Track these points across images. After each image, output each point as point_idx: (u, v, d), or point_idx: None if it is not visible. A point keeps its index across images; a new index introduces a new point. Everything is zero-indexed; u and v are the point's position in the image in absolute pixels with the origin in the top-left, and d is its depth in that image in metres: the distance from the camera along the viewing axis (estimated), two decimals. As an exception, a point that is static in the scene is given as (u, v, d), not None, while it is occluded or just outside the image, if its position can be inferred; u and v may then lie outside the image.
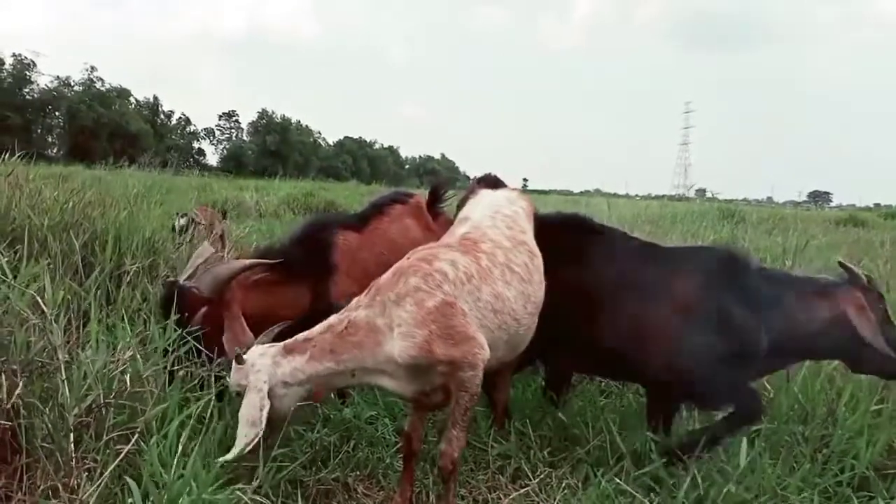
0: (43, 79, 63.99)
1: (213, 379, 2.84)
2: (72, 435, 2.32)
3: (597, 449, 3.34)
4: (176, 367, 2.83)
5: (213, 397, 2.73)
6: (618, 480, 2.99)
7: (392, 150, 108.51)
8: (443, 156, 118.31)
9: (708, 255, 3.44)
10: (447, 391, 2.66)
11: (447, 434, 2.70)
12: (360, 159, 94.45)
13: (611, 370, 3.78)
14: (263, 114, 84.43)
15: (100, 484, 2.21)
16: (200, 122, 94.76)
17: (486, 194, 3.45)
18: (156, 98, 75.97)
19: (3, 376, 2.34)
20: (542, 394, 3.93)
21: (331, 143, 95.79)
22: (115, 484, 2.31)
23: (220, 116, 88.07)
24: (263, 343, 2.74)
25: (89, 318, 2.96)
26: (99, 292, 3.34)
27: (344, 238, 3.75)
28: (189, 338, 2.90)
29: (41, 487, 2.23)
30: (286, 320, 3.16)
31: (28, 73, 62.63)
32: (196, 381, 2.85)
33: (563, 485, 3.13)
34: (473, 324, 2.64)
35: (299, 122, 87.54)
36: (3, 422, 2.26)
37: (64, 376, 2.42)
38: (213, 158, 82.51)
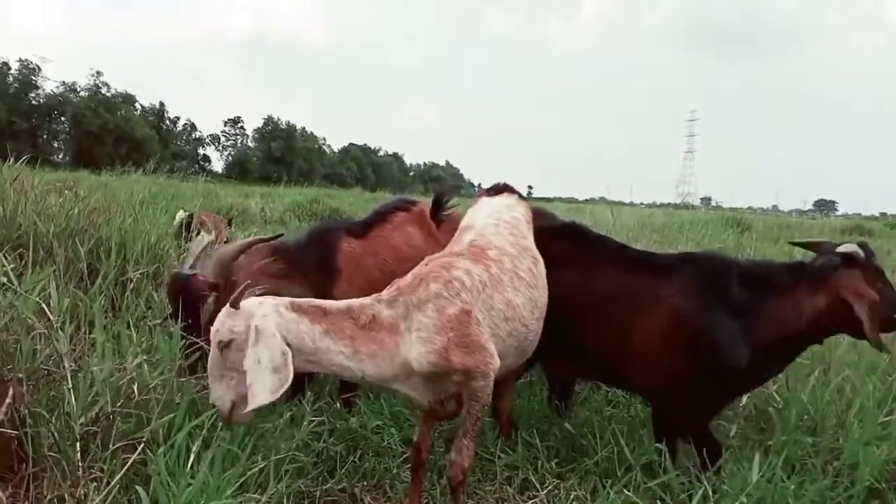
0: (49, 84, 64.26)
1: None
2: (78, 444, 2.31)
3: (605, 460, 3.31)
4: (183, 378, 2.82)
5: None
6: (627, 492, 2.96)
7: (397, 157, 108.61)
8: (447, 163, 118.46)
9: (690, 265, 3.31)
10: (459, 400, 2.64)
11: (458, 444, 2.68)
12: (364, 166, 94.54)
13: (602, 377, 3.83)
14: (269, 120, 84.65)
15: (107, 493, 2.20)
16: (206, 128, 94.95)
17: (485, 202, 3.44)
18: (161, 104, 76.16)
19: (9, 385, 2.32)
20: (547, 404, 3.92)
21: (335, 149, 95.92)
22: (123, 493, 2.29)
23: (226, 123, 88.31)
24: None
25: (94, 326, 2.96)
26: (104, 299, 3.33)
27: (348, 244, 3.75)
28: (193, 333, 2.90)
29: (48, 497, 2.22)
30: None
31: (34, 79, 62.85)
32: (203, 390, 2.84)
33: (572, 496, 3.10)
34: (486, 333, 2.63)
35: (304, 128, 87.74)
36: (9, 431, 2.25)
37: (70, 384, 2.41)
38: (218, 165, 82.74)
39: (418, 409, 2.75)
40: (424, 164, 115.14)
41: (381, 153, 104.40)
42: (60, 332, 2.56)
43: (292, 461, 2.83)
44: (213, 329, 2.41)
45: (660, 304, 3.16)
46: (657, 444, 3.18)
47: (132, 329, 3.11)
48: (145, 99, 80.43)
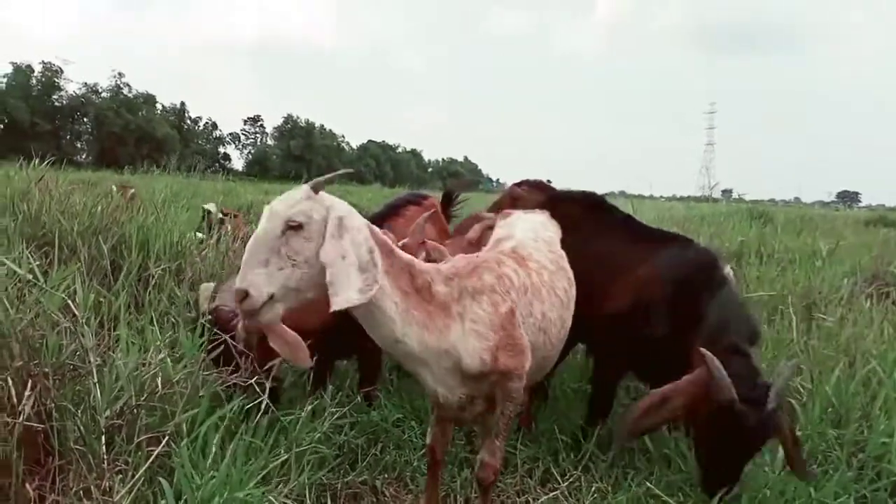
0: (71, 86, 65.01)
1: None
2: (104, 437, 2.33)
3: (626, 452, 3.30)
4: (206, 372, 2.84)
5: (244, 405, 2.74)
6: (648, 484, 2.95)
7: (415, 154, 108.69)
8: (466, 158, 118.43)
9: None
10: (491, 400, 2.50)
11: (489, 445, 2.57)
12: (383, 163, 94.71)
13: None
14: (288, 118, 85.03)
15: (132, 485, 2.22)
16: (226, 127, 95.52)
17: (519, 216, 3.32)
18: (182, 104, 76.80)
19: (36, 379, 2.36)
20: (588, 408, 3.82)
21: (354, 146, 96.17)
22: (147, 486, 2.32)
23: (245, 121, 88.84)
24: None
25: (119, 321, 2.99)
26: (127, 295, 3.37)
27: None
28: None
29: (74, 489, 2.25)
30: (315, 327, 3.18)
31: (56, 81, 63.60)
32: (225, 385, 2.86)
33: (593, 489, 3.09)
34: (525, 336, 2.51)
35: (323, 126, 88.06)
36: (36, 424, 2.28)
37: (95, 379, 2.43)
38: (238, 163, 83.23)
39: (443, 407, 2.52)
40: (443, 160, 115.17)
41: (400, 150, 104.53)
42: (85, 327, 2.59)
43: (314, 454, 2.85)
44: (275, 207, 2.16)
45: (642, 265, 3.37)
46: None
47: (155, 324, 3.15)
48: (166, 99, 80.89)
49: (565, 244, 3.45)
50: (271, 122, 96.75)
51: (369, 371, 3.80)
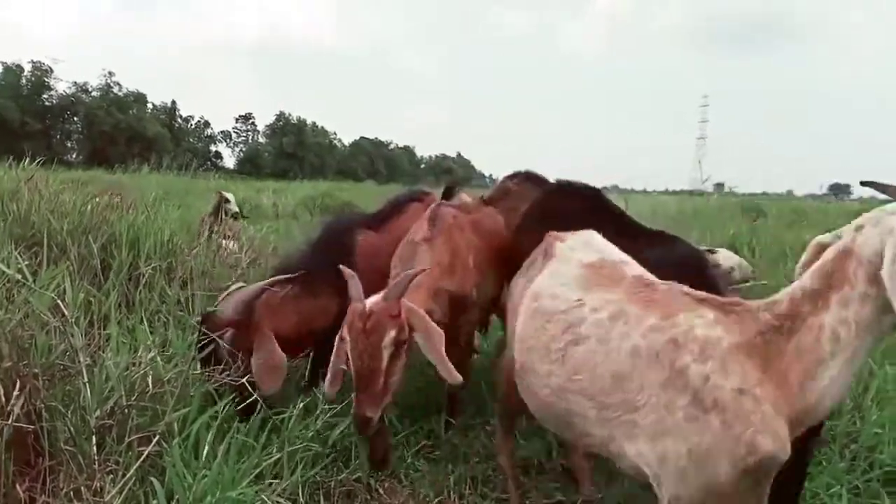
0: (61, 85, 64.59)
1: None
2: (94, 437, 2.32)
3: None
4: (197, 371, 2.83)
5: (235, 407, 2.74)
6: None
7: (408, 150, 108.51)
8: (459, 154, 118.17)
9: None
10: None
11: None
12: (376, 160, 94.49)
13: None
14: (280, 116, 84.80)
15: (123, 485, 2.21)
16: (217, 125, 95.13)
17: (595, 235, 3.02)
18: (173, 102, 76.40)
19: (25, 380, 2.34)
20: None
21: (346, 143, 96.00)
22: (139, 486, 2.31)
23: (237, 119, 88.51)
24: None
25: (109, 321, 2.97)
26: (117, 294, 3.35)
27: (364, 238, 3.75)
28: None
29: (64, 490, 2.23)
30: (319, 330, 3.20)
31: (46, 80, 63.22)
32: (217, 384, 2.85)
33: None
34: None
35: (315, 123, 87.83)
36: (25, 425, 2.26)
37: (86, 379, 2.42)
38: (229, 161, 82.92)
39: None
40: (435, 156, 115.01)
41: (392, 146, 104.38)
42: (75, 327, 2.57)
43: (307, 451, 2.84)
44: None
45: None
46: None
47: (146, 323, 3.13)
48: (157, 98, 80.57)
49: None
50: (263, 119, 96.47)
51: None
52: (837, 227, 2.03)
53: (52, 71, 62.78)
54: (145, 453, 2.32)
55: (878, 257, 1.71)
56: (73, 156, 61.56)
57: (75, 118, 65.75)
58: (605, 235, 3.53)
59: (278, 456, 2.64)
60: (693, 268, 3.16)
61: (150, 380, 2.58)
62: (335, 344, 2.68)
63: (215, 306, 3.13)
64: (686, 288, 2.09)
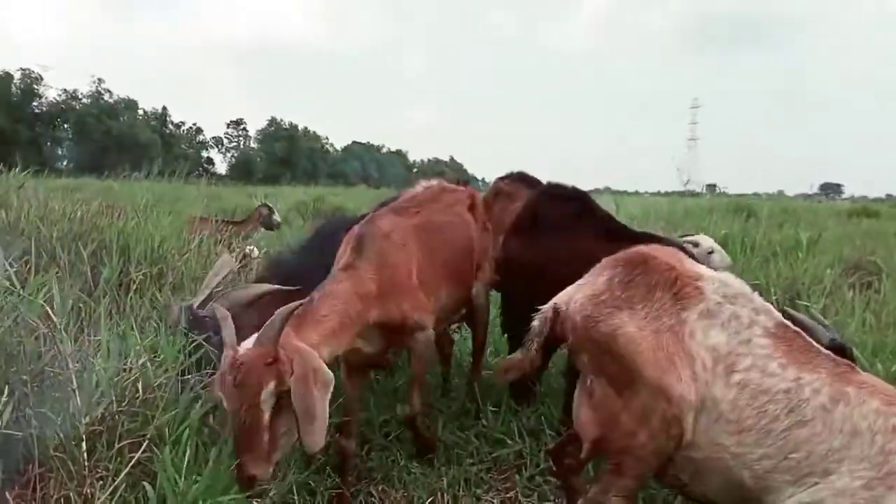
0: (51, 92, 64.46)
1: None
2: (84, 443, 2.32)
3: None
4: (187, 376, 2.82)
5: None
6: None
7: (400, 154, 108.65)
8: (451, 158, 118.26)
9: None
10: None
11: None
12: (368, 164, 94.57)
13: None
14: (272, 121, 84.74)
15: (113, 491, 2.21)
16: (209, 130, 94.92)
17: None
18: (164, 109, 76.32)
19: (14, 386, 2.33)
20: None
21: (339, 148, 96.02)
22: (129, 491, 2.30)
23: (228, 125, 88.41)
24: None
25: (99, 327, 2.96)
26: (107, 300, 3.34)
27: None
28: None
29: (55, 496, 2.23)
30: None
31: (36, 87, 63.04)
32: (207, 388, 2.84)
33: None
34: None
35: (307, 128, 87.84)
36: (14, 432, 2.25)
37: (75, 385, 2.41)
38: (221, 167, 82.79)
39: None
40: (428, 160, 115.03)
41: (385, 150, 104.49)
42: (64, 333, 2.56)
43: (299, 455, 2.84)
44: None
45: None
46: None
47: (136, 329, 3.12)
48: (148, 104, 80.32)
49: (548, 241, 3.48)
50: (255, 125, 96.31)
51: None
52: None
53: (41, 78, 62.70)
54: (135, 459, 2.31)
55: None
56: (64, 163, 61.32)
57: (65, 125, 65.55)
58: (592, 237, 3.56)
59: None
60: None
61: (140, 385, 2.57)
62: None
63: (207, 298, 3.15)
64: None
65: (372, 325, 2.86)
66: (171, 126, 77.81)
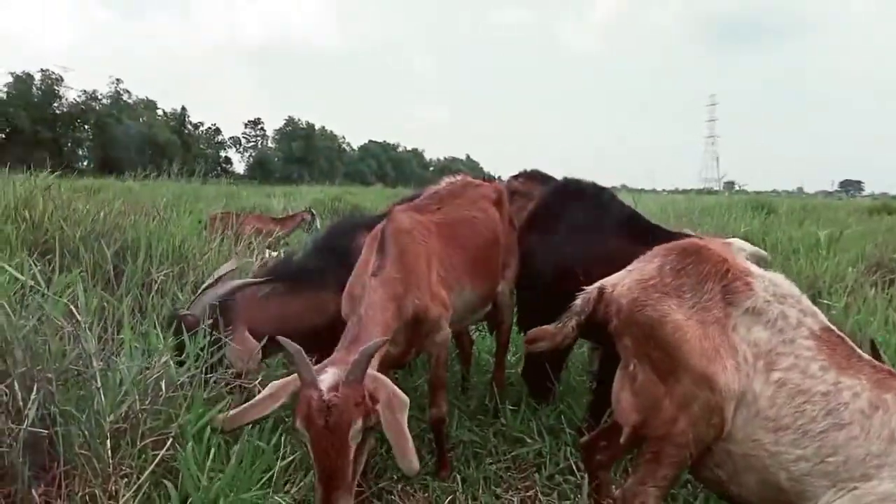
0: (71, 93, 65.15)
1: None
2: (108, 441, 2.33)
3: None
4: (209, 374, 2.84)
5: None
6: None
7: (416, 153, 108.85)
8: (467, 156, 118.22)
9: None
10: None
11: None
12: (384, 163, 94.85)
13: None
14: (289, 121, 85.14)
15: (137, 489, 2.23)
16: (227, 130, 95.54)
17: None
18: (183, 109, 76.92)
19: (40, 385, 2.36)
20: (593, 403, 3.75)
21: (355, 147, 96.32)
22: (153, 489, 2.32)
23: (246, 125, 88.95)
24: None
25: (122, 326, 2.99)
26: (130, 300, 3.37)
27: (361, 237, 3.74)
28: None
29: (80, 494, 2.25)
30: (311, 326, 3.19)
31: (56, 88, 63.75)
32: (229, 387, 2.87)
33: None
34: None
35: (324, 127, 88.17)
36: (40, 430, 2.28)
37: (99, 383, 2.43)
38: (239, 166, 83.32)
39: None
40: (444, 158, 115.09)
41: (401, 149, 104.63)
42: (88, 332, 2.59)
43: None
44: None
45: None
46: None
47: (158, 328, 3.15)
48: (167, 105, 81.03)
49: (568, 238, 3.45)
50: (272, 124, 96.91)
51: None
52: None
53: (62, 80, 63.48)
54: (159, 456, 2.33)
55: None
56: (84, 163, 61.96)
57: (86, 126, 66.21)
58: (616, 235, 3.51)
59: (291, 458, 2.64)
60: None
61: (163, 384, 2.59)
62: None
63: (186, 308, 3.21)
64: None
65: (400, 323, 2.85)
66: (189, 126, 78.41)
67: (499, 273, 3.68)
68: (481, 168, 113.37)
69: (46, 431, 2.31)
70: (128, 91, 68.81)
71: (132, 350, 2.66)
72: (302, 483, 2.62)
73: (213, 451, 2.37)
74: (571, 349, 4.06)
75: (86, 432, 2.36)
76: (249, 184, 29.78)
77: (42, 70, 63.20)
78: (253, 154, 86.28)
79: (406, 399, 2.34)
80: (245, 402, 2.73)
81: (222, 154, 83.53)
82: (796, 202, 19.59)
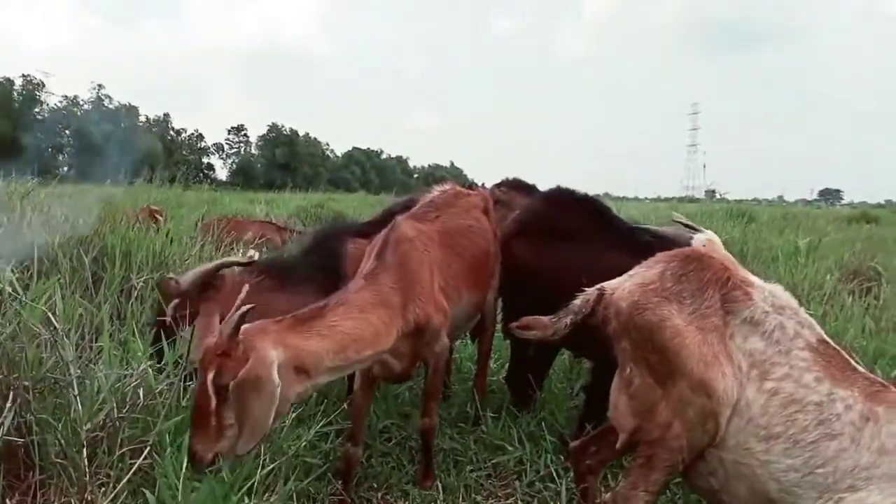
0: (52, 98, 64.63)
1: None
2: (85, 450, 2.32)
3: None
4: (188, 382, 2.82)
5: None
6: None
7: (400, 160, 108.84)
8: (451, 164, 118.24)
9: None
10: None
11: None
12: (368, 170, 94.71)
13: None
14: (273, 127, 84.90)
15: (115, 498, 2.21)
16: (210, 137, 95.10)
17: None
18: (166, 115, 76.58)
19: (16, 393, 2.34)
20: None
21: (339, 154, 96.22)
22: (131, 498, 2.31)
23: (229, 131, 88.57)
24: None
25: (101, 333, 2.97)
26: (109, 307, 3.35)
27: (354, 245, 3.74)
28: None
29: (56, 503, 2.23)
30: None
31: (37, 94, 63.25)
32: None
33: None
34: None
35: (307, 134, 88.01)
36: (16, 439, 2.26)
37: (76, 391, 2.41)
38: (222, 173, 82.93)
39: None
40: (429, 165, 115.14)
41: (385, 156, 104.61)
42: (66, 339, 2.57)
43: (299, 462, 2.84)
44: None
45: None
46: None
47: (137, 335, 3.13)
48: (150, 111, 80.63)
49: (562, 247, 3.44)
50: (256, 131, 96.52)
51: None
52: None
53: (43, 85, 62.85)
54: (136, 465, 2.32)
55: None
56: (65, 169, 61.35)
57: (66, 132, 65.63)
58: (609, 245, 3.50)
59: (270, 467, 2.63)
60: None
61: (141, 391, 2.58)
62: None
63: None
64: None
65: (401, 336, 2.79)
66: (172, 133, 77.98)
67: (489, 281, 3.68)
68: (465, 175, 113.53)
69: (22, 440, 2.29)
70: (109, 97, 68.42)
71: (110, 357, 2.64)
72: (282, 492, 2.61)
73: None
74: (556, 356, 4.08)
75: (62, 441, 2.34)
76: (232, 190, 29.55)
77: (23, 75, 62.74)
78: (236, 161, 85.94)
79: (273, 391, 2.26)
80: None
81: (205, 160, 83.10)
82: (777, 210, 19.79)
